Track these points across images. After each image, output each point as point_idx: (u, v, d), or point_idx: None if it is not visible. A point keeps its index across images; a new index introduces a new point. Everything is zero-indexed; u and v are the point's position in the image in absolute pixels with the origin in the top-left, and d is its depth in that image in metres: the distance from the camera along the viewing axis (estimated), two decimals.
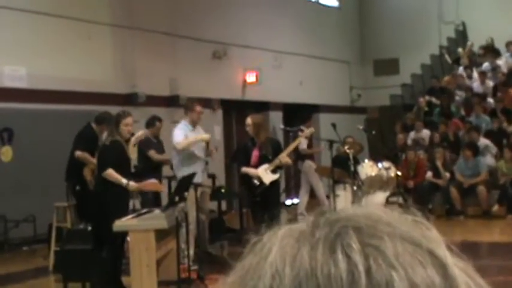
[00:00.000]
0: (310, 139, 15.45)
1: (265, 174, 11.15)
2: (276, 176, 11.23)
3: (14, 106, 14.30)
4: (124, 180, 9.27)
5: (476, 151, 16.85)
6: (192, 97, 14.14)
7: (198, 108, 11.78)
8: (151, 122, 13.72)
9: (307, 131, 12.19)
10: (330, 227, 0.78)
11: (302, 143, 15.47)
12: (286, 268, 0.75)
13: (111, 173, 9.22)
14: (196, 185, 10.75)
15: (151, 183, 10.39)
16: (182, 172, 11.12)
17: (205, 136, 11.65)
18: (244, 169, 11.41)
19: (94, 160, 11.28)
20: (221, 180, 15.78)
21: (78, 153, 11.60)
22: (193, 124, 11.70)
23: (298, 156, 15.69)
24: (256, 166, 11.21)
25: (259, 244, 0.80)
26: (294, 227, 0.80)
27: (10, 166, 14.00)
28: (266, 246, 0.79)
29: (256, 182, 11.15)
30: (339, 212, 0.81)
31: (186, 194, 10.18)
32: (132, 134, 15.28)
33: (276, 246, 0.77)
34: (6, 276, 11.45)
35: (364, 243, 0.75)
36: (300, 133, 12.83)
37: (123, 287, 9.20)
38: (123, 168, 9.38)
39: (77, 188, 11.54)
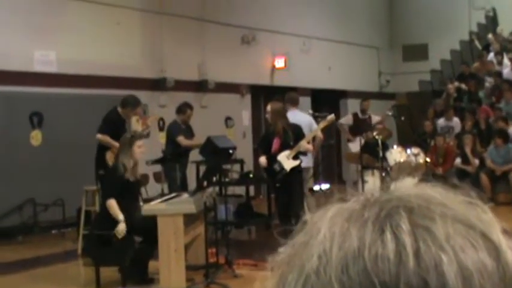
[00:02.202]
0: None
1: (286, 160, 11.15)
2: (296, 163, 11.21)
3: (44, 90, 14.37)
4: (121, 217, 9.08)
5: (507, 138, 16.74)
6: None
7: None
8: (182, 109, 13.73)
9: (328, 118, 12.11)
10: (381, 206, 0.76)
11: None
12: (334, 248, 0.73)
13: (111, 205, 9.08)
14: (225, 170, 10.77)
15: None
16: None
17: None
18: (260, 159, 11.52)
19: (116, 143, 11.29)
20: (249, 166, 15.79)
21: (98, 135, 11.59)
22: None
23: None
24: (277, 153, 11.21)
25: (310, 223, 0.79)
26: (344, 206, 0.79)
27: (40, 150, 14.08)
28: (316, 225, 0.78)
29: (276, 168, 11.15)
30: (391, 191, 0.79)
31: (214, 178, 10.19)
32: (162, 119, 15.39)
33: (325, 226, 0.76)
34: (35, 259, 11.53)
35: (414, 223, 0.73)
36: (319, 119, 12.76)
37: (147, 274, 9.20)
38: (124, 192, 9.26)
39: (100, 172, 11.52)
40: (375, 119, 16.21)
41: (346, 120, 17.58)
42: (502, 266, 0.72)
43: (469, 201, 0.78)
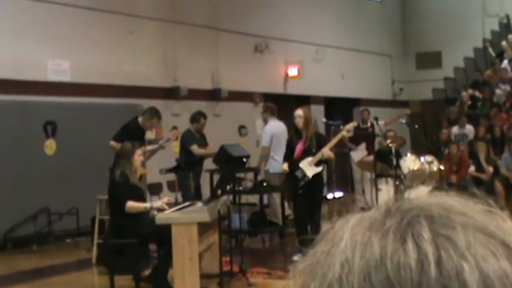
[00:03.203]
0: None
1: (308, 167, 11.14)
2: (319, 169, 11.22)
3: (58, 100, 14.42)
4: (147, 204, 9.28)
5: None
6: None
7: None
8: (196, 118, 13.75)
9: (350, 124, 12.17)
10: (402, 215, 0.76)
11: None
12: (356, 257, 0.74)
13: (132, 206, 9.16)
14: (239, 179, 10.78)
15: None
16: None
17: None
18: (283, 165, 11.47)
19: None
20: (263, 174, 15.76)
21: (111, 142, 11.61)
22: None
23: None
24: (299, 159, 11.20)
25: (331, 232, 0.79)
26: (366, 215, 0.79)
27: (54, 159, 14.12)
28: (337, 234, 0.78)
29: (299, 174, 11.14)
30: (412, 200, 0.80)
31: (228, 187, 10.19)
32: (175, 127, 15.41)
33: (347, 235, 0.77)
34: (49, 268, 11.56)
35: (435, 232, 0.73)
36: (342, 127, 12.81)
37: (168, 283, 9.20)
38: (136, 197, 9.33)
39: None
40: (380, 123, 16.21)
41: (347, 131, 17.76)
42: None
43: (488, 210, 0.78)
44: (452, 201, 0.78)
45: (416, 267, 0.71)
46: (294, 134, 11.58)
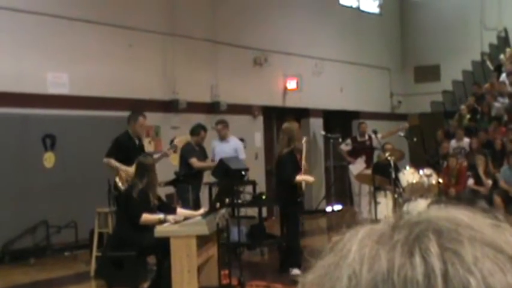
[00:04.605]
0: None
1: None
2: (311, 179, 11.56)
3: (57, 112, 14.42)
4: (161, 216, 9.24)
5: None
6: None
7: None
8: (196, 131, 13.77)
9: (304, 138, 12.23)
10: (410, 229, 0.76)
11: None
12: (364, 270, 0.74)
13: (147, 218, 9.16)
14: (238, 192, 10.78)
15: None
16: None
17: None
18: (300, 177, 11.31)
19: (118, 165, 11.26)
20: (262, 187, 15.77)
21: (104, 160, 11.59)
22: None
23: None
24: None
25: (340, 243, 0.79)
26: (374, 228, 0.79)
27: (52, 172, 14.11)
28: (346, 246, 0.78)
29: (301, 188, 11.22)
30: (420, 213, 0.79)
31: (226, 200, 10.19)
32: (172, 141, 15.40)
33: (355, 247, 0.77)
34: (48, 282, 11.54)
35: (443, 247, 0.73)
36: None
37: None
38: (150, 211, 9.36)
39: (114, 192, 11.48)
40: (378, 136, 16.28)
41: (346, 144, 18.06)
42: None
43: (497, 224, 0.78)
44: (461, 214, 0.78)
45: (423, 282, 0.71)
46: (292, 149, 11.48)
